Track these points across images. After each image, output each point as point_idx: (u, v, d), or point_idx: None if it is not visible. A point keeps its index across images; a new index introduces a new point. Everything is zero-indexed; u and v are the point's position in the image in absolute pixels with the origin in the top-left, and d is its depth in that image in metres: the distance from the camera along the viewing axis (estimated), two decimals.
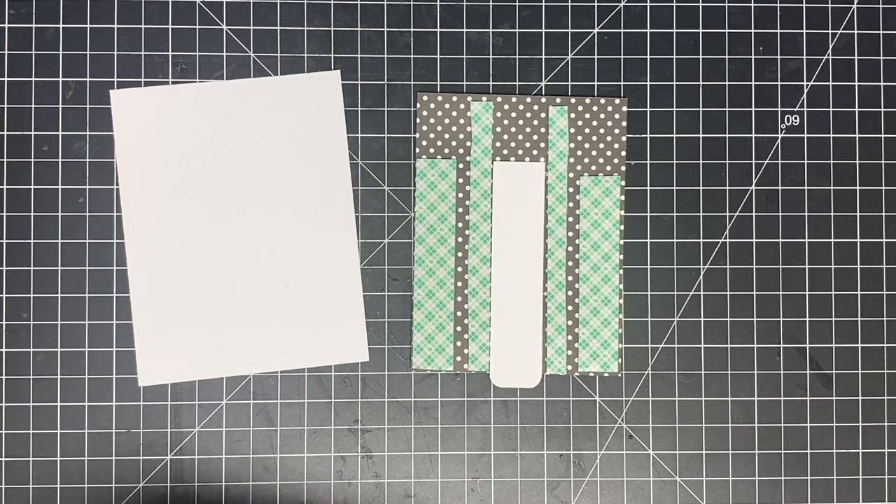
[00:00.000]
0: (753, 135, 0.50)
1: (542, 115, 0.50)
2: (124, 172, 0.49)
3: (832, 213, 0.50)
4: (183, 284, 0.49)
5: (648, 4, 0.50)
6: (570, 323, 0.49)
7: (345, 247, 0.49)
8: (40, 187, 0.49)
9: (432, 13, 0.50)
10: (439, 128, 0.50)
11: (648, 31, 0.50)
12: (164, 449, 0.49)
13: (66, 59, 0.49)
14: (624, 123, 0.50)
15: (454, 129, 0.50)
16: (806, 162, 0.50)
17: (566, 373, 0.49)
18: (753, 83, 0.50)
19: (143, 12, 0.50)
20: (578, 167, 0.50)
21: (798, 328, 0.50)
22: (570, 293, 0.49)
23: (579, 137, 0.50)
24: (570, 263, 0.49)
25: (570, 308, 0.49)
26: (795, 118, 0.50)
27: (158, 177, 0.49)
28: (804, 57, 0.50)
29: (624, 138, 0.50)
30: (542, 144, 0.50)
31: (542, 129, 0.50)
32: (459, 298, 0.49)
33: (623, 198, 0.50)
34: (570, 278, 0.49)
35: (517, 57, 0.50)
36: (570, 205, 0.50)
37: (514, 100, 0.50)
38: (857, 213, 0.50)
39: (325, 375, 0.49)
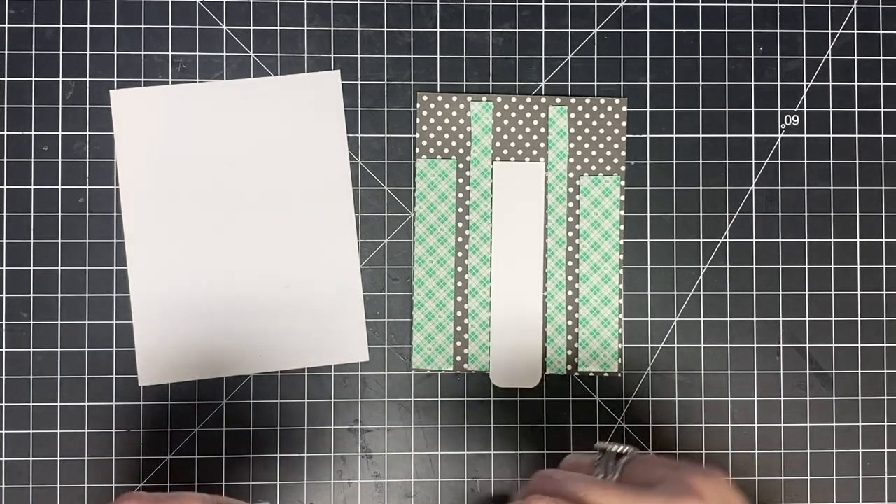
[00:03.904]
0: (753, 135, 0.50)
1: (542, 115, 0.50)
2: (124, 172, 0.49)
3: (832, 213, 0.50)
4: (183, 284, 0.49)
5: (648, 4, 0.50)
6: (570, 323, 0.49)
7: (345, 247, 0.49)
8: (40, 187, 0.49)
9: (432, 13, 0.50)
10: (439, 128, 0.50)
11: (648, 31, 0.50)
12: (164, 449, 0.49)
13: (66, 59, 0.49)
14: (624, 123, 0.50)
15: (454, 129, 0.50)
16: (806, 162, 0.50)
17: (566, 373, 0.49)
18: (753, 83, 0.50)
19: (143, 12, 0.50)
20: (578, 167, 0.50)
21: (798, 328, 0.50)
22: (570, 293, 0.49)
23: (579, 137, 0.50)
24: (570, 263, 0.49)
25: (570, 308, 0.49)
26: (795, 118, 0.50)
27: (158, 177, 0.49)
28: (804, 57, 0.50)
29: (624, 138, 0.50)
30: (542, 144, 0.50)
31: (542, 129, 0.50)
32: (459, 298, 0.49)
33: (623, 198, 0.50)
34: (570, 278, 0.49)
35: (517, 57, 0.50)
36: (570, 205, 0.50)
37: (514, 100, 0.50)
38: (857, 213, 0.50)
39: (325, 375, 0.49)
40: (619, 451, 0.39)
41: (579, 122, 0.50)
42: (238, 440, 0.49)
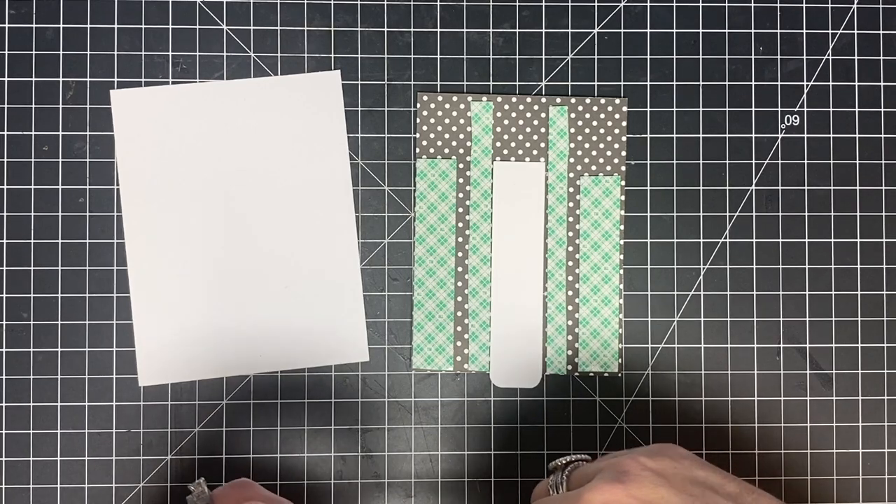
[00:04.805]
0: (753, 135, 0.50)
1: (542, 115, 0.50)
2: (124, 172, 0.49)
3: (832, 213, 0.50)
4: (183, 284, 0.49)
5: (648, 4, 0.50)
6: (570, 323, 0.49)
7: (345, 247, 0.49)
8: (40, 187, 0.49)
9: (432, 13, 0.50)
10: (439, 128, 0.50)
11: (648, 31, 0.50)
12: (164, 449, 0.49)
13: (66, 59, 0.49)
14: (624, 123, 0.50)
15: (454, 129, 0.50)
16: (806, 162, 0.50)
17: (566, 373, 0.49)
18: (753, 83, 0.50)
19: (143, 12, 0.50)
20: (578, 167, 0.50)
21: (798, 328, 0.50)
22: (570, 293, 0.49)
23: (579, 137, 0.50)
24: (571, 263, 0.49)
25: (570, 308, 0.49)
26: (795, 118, 0.50)
27: (158, 177, 0.49)
28: (804, 57, 0.50)
29: (624, 138, 0.50)
30: (542, 144, 0.50)
31: (542, 129, 0.50)
32: (459, 298, 0.49)
33: (623, 198, 0.50)
34: (570, 278, 0.49)
35: (517, 57, 0.50)
36: (571, 205, 0.50)
37: (514, 100, 0.50)
38: (857, 213, 0.50)
39: (325, 375, 0.49)
40: (563, 462, 0.39)
41: (579, 122, 0.50)
42: (238, 440, 0.49)
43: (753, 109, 0.50)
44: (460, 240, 0.49)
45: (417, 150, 0.50)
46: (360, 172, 0.50)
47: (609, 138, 0.50)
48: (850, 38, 0.51)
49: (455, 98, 0.50)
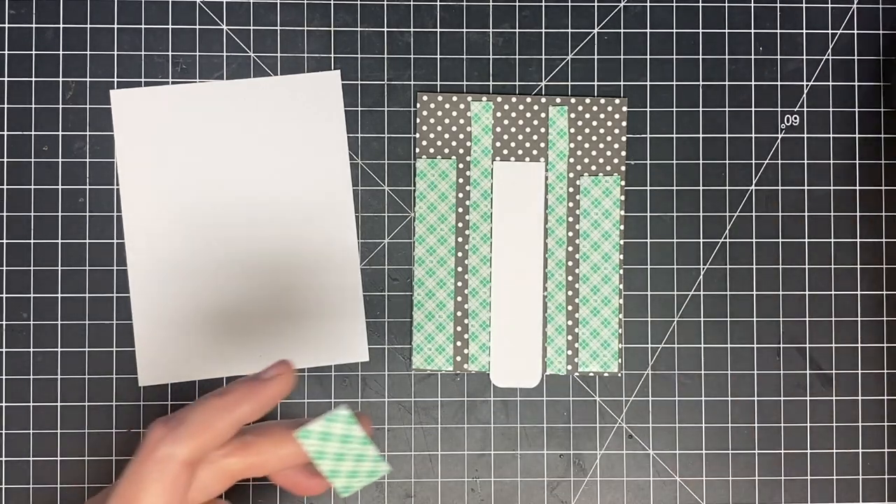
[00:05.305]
0: (753, 135, 0.50)
1: (542, 115, 0.50)
2: (124, 172, 0.49)
3: (832, 213, 0.50)
4: (183, 284, 0.49)
5: (648, 4, 0.50)
6: (570, 323, 0.49)
7: (345, 247, 0.49)
8: (40, 187, 0.49)
9: (432, 13, 0.50)
10: (439, 128, 0.50)
11: (648, 31, 0.50)
12: None
13: (66, 59, 0.49)
14: (624, 123, 0.50)
15: (454, 129, 0.50)
16: (806, 162, 0.50)
17: (566, 373, 0.49)
18: (753, 83, 0.50)
19: (143, 12, 0.50)
20: (578, 167, 0.50)
21: (798, 328, 0.50)
22: (570, 293, 0.49)
23: (579, 137, 0.50)
24: (570, 263, 0.49)
25: (570, 308, 0.49)
26: (795, 118, 0.50)
27: (158, 177, 0.49)
28: (804, 57, 0.50)
29: (624, 138, 0.50)
30: (542, 144, 0.50)
31: (542, 129, 0.50)
32: (459, 298, 0.49)
33: (623, 198, 0.50)
34: (570, 278, 0.49)
35: (517, 57, 0.50)
36: (570, 205, 0.50)
37: (514, 100, 0.50)
38: (857, 214, 0.50)
39: (325, 375, 0.49)
40: None
41: (579, 122, 0.50)
42: None
43: (753, 109, 0.50)
44: (460, 240, 0.49)
45: (417, 150, 0.50)
46: (360, 172, 0.50)
47: (609, 138, 0.50)
48: (850, 38, 0.51)
49: (455, 98, 0.50)
